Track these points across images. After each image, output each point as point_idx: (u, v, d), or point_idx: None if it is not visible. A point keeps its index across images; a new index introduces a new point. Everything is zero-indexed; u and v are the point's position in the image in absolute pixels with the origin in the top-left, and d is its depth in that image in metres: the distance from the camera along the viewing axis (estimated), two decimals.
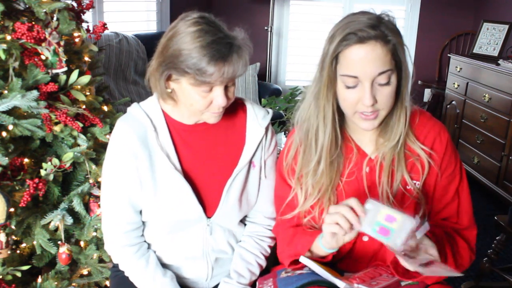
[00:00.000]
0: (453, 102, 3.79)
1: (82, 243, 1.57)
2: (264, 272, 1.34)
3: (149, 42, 3.59)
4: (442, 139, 1.19)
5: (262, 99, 3.35)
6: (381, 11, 1.09)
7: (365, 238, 1.17)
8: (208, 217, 1.27)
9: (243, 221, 1.38)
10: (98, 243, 1.56)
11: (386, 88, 1.08)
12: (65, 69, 1.45)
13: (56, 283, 1.50)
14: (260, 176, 1.32)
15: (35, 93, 1.34)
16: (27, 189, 1.35)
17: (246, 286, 1.30)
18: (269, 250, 1.37)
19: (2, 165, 1.32)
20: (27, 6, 1.44)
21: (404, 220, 0.98)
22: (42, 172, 1.42)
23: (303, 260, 1.14)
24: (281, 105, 3.09)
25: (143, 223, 1.30)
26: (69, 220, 1.45)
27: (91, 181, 1.52)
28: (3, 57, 1.33)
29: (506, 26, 3.74)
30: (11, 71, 1.37)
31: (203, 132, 1.26)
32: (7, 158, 1.32)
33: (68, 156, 1.46)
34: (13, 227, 1.42)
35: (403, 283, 1.11)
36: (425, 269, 0.98)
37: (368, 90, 1.06)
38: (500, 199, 3.15)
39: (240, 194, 1.28)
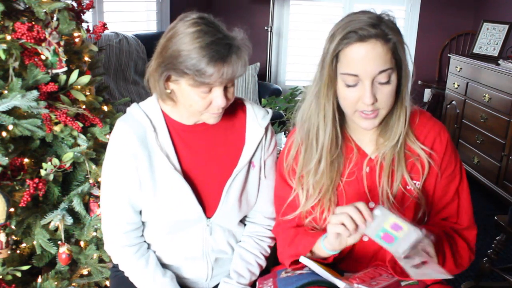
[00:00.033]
0: (453, 102, 3.79)
1: (82, 243, 1.57)
2: (264, 272, 1.34)
3: (149, 42, 3.59)
4: (442, 139, 1.18)
5: (262, 99, 3.36)
6: (381, 11, 1.09)
7: (365, 238, 1.17)
8: (208, 217, 1.27)
9: (243, 221, 1.38)
10: (98, 243, 1.56)
11: (386, 87, 1.08)
12: (65, 69, 1.45)
13: (56, 283, 1.50)
14: (259, 176, 1.32)
15: (35, 93, 1.34)
16: (27, 189, 1.35)
17: (246, 286, 1.30)
18: (269, 250, 1.37)
19: (2, 165, 1.32)
20: (27, 6, 1.44)
21: (410, 231, 0.98)
22: (42, 172, 1.42)
23: (303, 260, 1.14)
24: (281, 105, 3.09)
25: (143, 223, 1.30)
26: (69, 220, 1.45)
27: (91, 181, 1.52)
28: (3, 57, 1.33)
29: (506, 26, 3.74)
30: (11, 71, 1.37)
31: (202, 132, 1.26)
32: (7, 158, 1.32)
33: (68, 156, 1.46)
34: (13, 227, 1.42)
35: (403, 283, 1.11)
36: (416, 271, 0.98)
37: (368, 88, 1.06)
38: (500, 199, 3.15)
39: (239, 194, 1.28)
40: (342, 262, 1.22)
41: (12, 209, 1.36)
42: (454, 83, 3.76)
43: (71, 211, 1.47)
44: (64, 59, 1.43)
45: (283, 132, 2.90)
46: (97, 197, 1.51)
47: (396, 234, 0.99)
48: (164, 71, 1.13)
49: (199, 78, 1.09)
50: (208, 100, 1.14)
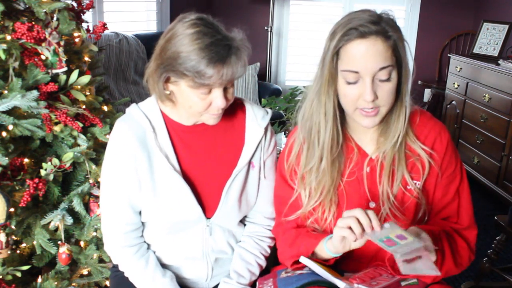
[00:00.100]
0: (453, 102, 3.79)
1: (82, 243, 1.57)
2: (264, 272, 1.34)
3: (149, 42, 3.59)
4: (442, 139, 1.19)
5: (262, 99, 3.35)
6: (382, 11, 1.10)
7: None
8: (208, 217, 1.27)
9: (242, 222, 1.38)
10: (98, 243, 1.56)
11: (387, 84, 1.08)
12: (65, 69, 1.45)
13: (56, 283, 1.50)
14: (259, 176, 1.32)
15: (35, 93, 1.34)
16: (27, 189, 1.35)
17: (246, 286, 1.30)
18: (268, 250, 1.37)
19: (2, 165, 1.32)
20: (27, 6, 1.44)
21: (414, 241, 0.99)
22: (42, 172, 1.42)
23: (303, 260, 1.14)
24: (281, 105, 3.09)
25: (143, 223, 1.30)
26: (69, 220, 1.45)
27: (91, 181, 1.52)
28: (3, 57, 1.33)
29: (506, 26, 3.74)
30: (11, 71, 1.37)
31: (202, 132, 1.26)
32: (7, 158, 1.32)
33: (68, 156, 1.46)
34: (13, 227, 1.42)
35: (403, 283, 1.11)
36: (407, 265, 0.98)
37: (369, 85, 1.06)
38: (500, 199, 3.15)
39: (239, 195, 1.28)
40: (342, 262, 1.22)
41: (12, 209, 1.36)
42: (454, 83, 3.76)
43: (71, 211, 1.47)
44: (64, 59, 1.43)
45: (283, 132, 2.90)
46: (97, 197, 1.51)
47: (398, 241, 0.99)
48: (163, 72, 1.13)
49: (198, 79, 1.08)
50: (208, 101, 1.14)
